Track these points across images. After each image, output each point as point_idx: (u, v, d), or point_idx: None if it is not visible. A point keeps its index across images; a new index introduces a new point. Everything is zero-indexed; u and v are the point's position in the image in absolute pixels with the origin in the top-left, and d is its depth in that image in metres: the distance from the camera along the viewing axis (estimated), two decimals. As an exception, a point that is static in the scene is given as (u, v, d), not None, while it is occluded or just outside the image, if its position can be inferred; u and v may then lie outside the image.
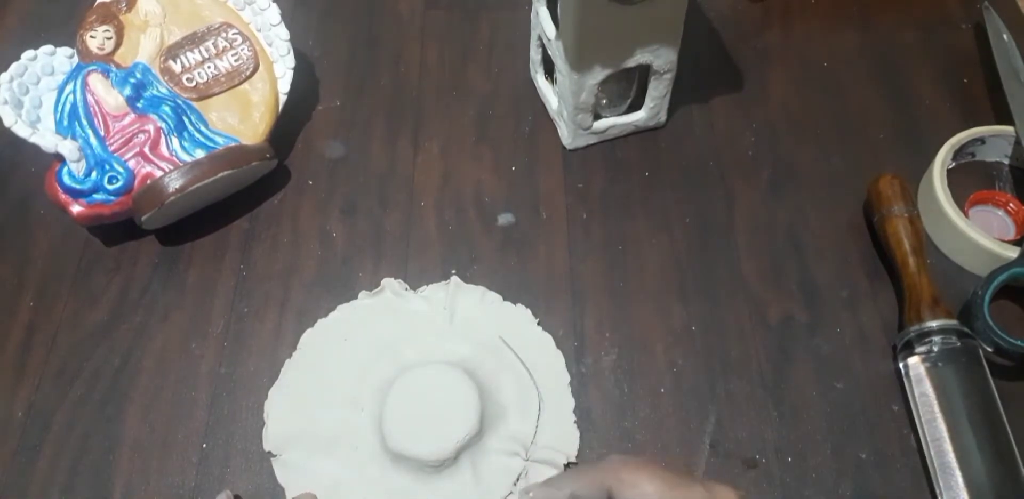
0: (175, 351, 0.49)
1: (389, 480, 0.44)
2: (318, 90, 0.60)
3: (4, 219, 0.55)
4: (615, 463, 0.37)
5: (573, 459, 0.45)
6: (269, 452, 0.46)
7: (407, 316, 0.50)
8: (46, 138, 0.50)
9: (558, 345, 0.49)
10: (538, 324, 0.50)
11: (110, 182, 0.50)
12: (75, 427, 0.47)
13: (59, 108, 0.51)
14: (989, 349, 0.46)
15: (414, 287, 0.51)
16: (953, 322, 0.47)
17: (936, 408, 0.45)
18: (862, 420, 0.47)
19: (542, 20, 0.53)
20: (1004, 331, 0.46)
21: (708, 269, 0.52)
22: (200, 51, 0.53)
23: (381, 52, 0.62)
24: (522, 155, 0.57)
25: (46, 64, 0.52)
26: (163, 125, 0.51)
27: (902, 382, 0.47)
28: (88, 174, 0.50)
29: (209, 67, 0.53)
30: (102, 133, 0.51)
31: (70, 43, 0.52)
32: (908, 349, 0.47)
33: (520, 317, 0.50)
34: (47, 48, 0.52)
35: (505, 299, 0.51)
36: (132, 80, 0.52)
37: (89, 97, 0.51)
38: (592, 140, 0.57)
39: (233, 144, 0.52)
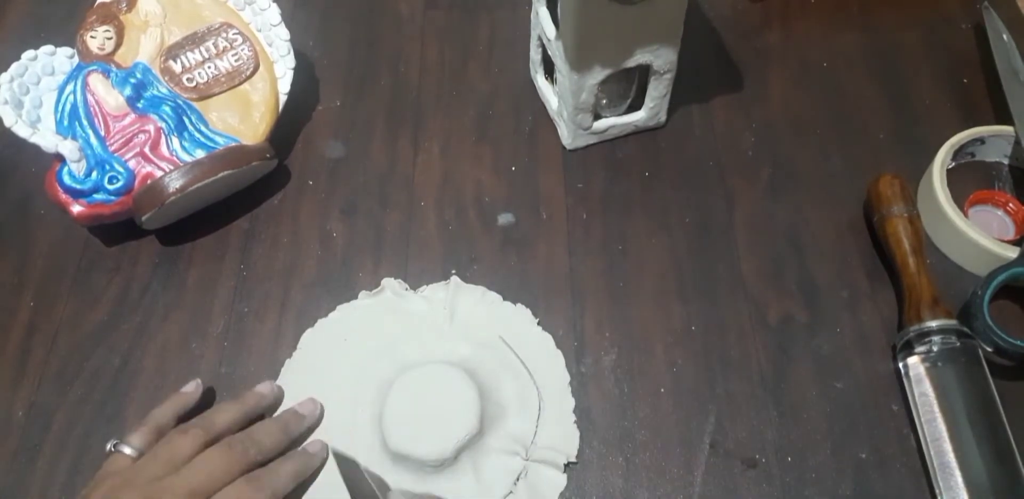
0: (175, 351, 0.49)
1: (389, 480, 0.44)
2: (318, 90, 0.60)
3: (4, 219, 0.55)
4: None
5: (573, 459, 0.45)
6: None
7: (407, 316, 0.50)
8: (46, 138, 0.50)
9: (558, 345, 0.49)
10: (538, 324, 0.50)
11: (110, 182, 0.50)
12: (75, 427, 0.47)
13: (59, 108, 0.51)
14: (989, 349, 0.47)
15: (414, 287, 0.51)
16: (953, 322, 0.47)
17: (936, 408, 0.45)
18: (862, 420, 0.47)
19: (542, 20, 0.53)
20: (1004, 331, 0.46)
21: (708, 269, 0.52)
22: (200, 51, 0.53)
23: (381, 52, 0.62)
24: (522, 155, 0.57)
25: (46, 64, 0.52)
26: (163, 125, 0.51)
27: (902, 382, 0.47)
28: (88, 174, 0.50)
29: (209, 67, 0.53)
30: (102, 133, 0.51)
31: (70, 43, 0.52)
32: (908, 349, 0.47)
33: (520, 317, 0.50)
34: (47, 48, 0.52)
35: (505, 299, 0.51)
36: (132, 80, 0.52)
37: (89, 97, 0.51)
38: (592, 140, 0.57)
39: (233, 144, 0.52)
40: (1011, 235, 0.53)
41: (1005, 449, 0.44)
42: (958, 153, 0.54)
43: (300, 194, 0.56)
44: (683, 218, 0.54)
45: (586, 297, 0.51)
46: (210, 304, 0.51)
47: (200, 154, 0.51)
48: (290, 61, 0.55)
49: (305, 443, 0.45)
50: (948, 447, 0.44)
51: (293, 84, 0.55)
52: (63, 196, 0.50)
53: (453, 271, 0.52)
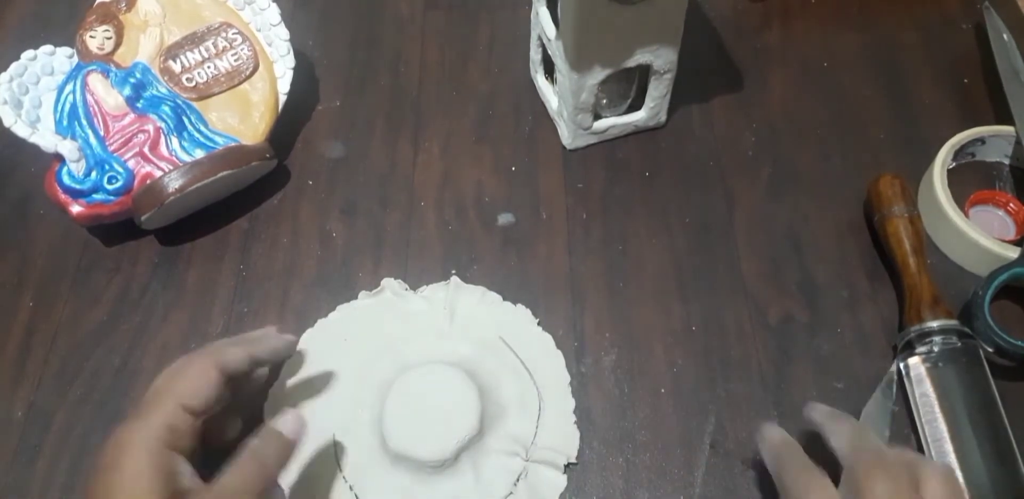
0: (175, 351, 0.49)
1: (389, 481, 0.44)
2: (318, 90, 0.60)
3: (4, 219, 0.55)
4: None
5: (573, 459, 0.45)
6: None
7: (407, 316, 0.50)
8: (46, 138, 0.50)
9: (558, 345, 0.49)
10: (538, 324, 0.50)
11: (110, 182, 0.50)
12: (75, 427, 0.47)
13: (59, 108, 0.51)
14: (989, 349, 0.46)
15: (414, 287, 0.51)
16: (953, 322, 0.47)
17: (936, 408, 0.45)
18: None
19: (542, 20, 0.53)
20: (1004, 331, 0.46)
21: (708, 269, 0.52)
22: (200, 51, 0.53)
23: (381, 52, 0.62)
24: (522, 155, 0.57)
25: (46, 64, 0.52)
26: (163, 125, 0.51)
27: (902, 382, 0.47)
28: (88, 174, 0.50)
29: (209, 67, 0.53)
30: (102, 133, 0.51)
31: (70, 43, 0.52)
32: (908, 349, 0.47)
33: (520, 317, 0.50)
34: (47, 48, 0.52)
35: (505, 299, 0.51)
36: (132, 80, 0.52)
37: (89, 97, 0.51)
38: (592, 140, 0.57)
39: (233, 144, 0.52)
40: (1012, 235, 0.53)
41: (1006, 449, 0.44)
42: (959, 153, 0.54)
43: (300, 194, 0.56)
44: (683, 218, 0.54)
45: (586, 297, 0.51)
46: (210, 304, 0.51)
47: (199, 154, 0.51)
48: (290, 61, 0.55)
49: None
50: (949, 447, 0.44)
51: (293, 84, 0.55)
52: (62, 196, 0.50)
53: (453, 271, 0.52)
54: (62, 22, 0.63)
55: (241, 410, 0.43)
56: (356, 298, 0.51)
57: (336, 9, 0.65)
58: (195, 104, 0.53)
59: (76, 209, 0.50)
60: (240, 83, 0.54)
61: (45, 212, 0.55)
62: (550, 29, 0.53)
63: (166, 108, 0.52)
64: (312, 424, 0.46)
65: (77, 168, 0.50)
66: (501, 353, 0.48)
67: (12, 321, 0.51)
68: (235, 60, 0.54)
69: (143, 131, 0.51)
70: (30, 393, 0.48)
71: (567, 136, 0.56)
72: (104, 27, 0.52)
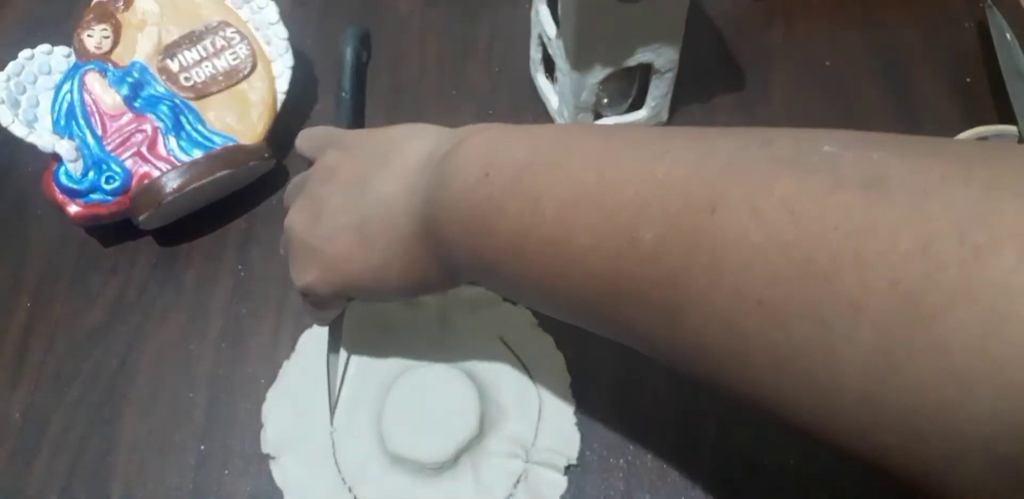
0: (173, 352, 0.49)
1: (388, 483, 0.44)
2: (316, 89, 0.60)
3: (1, 219, 0.55)
4: None
5: (574, 460, 0.45)
6: (268, 454, 0.45)
7: (407, 316, 0.49)
8: (43, 137, 0.49)
9: (558, 346, 0.49)
10: (538, 325, 0.49)
11: (107, 182, 0.50)
12: (72, 429, 0.47)
13: (56, 107, 0.51)
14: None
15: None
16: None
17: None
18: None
19: (542, 19, 0.53)
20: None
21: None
22: (198, 50, 0.53)
23: (381, 52, 0.62)
24: (522, 155, 0.56)
25: (43, 63, 0.51)
26: (160, 125, 0.51)
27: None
28: (85, 174, 0.50)
29: (207, 66, 0.53)
30: (99, 133, 0.51)
31: (67, 42, 0.52)
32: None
33: (520, 318, 0.49)
34: (44, 47, 0.51)
35: (505, 299, 0.50)
36: (129, 79, 0.51)
37: (86, 96, 0.51)
38: (593, 139, 0.56)
39: (231, 144, 0.52)
40: (1015, 235, 0.52)
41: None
42: (961, 153, 0.53)
43: (299, 194, 0.55)
44: (684, 218, 0.54)
45: (587, 298, 0.51)
46: (208, 305, 0.51)
47: (197, 154, 0.51)
48: (288, 60, 0.54)
49: None
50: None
51: (291, 83, 0.55)
52: (60, 196, 0.50)
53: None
54: (59, 21, 0.63)
55: None
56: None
57: (335, 7, 0.64)
58: (193, 103, 0.52)
59: (73, 209, 0.50)
60: (238, 82, 0.53)
61: (42, 212, 0.55)
62: (550, 28, 0.52)
63: (164, 108, 0.51)
64: (311, 424, 0.46)
65: (75, 168, 0.50)
66: (501, 354, 0.48)
67: (9, 321, 0.51)
68: (233, 59, 0.53)
69: (141, 131, 0.51)
70: (27, 394, 0.48)
71: (567, 135, 0.56)
72: (102, 26, 0.52)
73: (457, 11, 0.64)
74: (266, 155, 0.53)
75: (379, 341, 0.49)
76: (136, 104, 0.51)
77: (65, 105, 0.51)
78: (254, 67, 0.54)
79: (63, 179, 0.49)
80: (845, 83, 0.60)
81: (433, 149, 0.35)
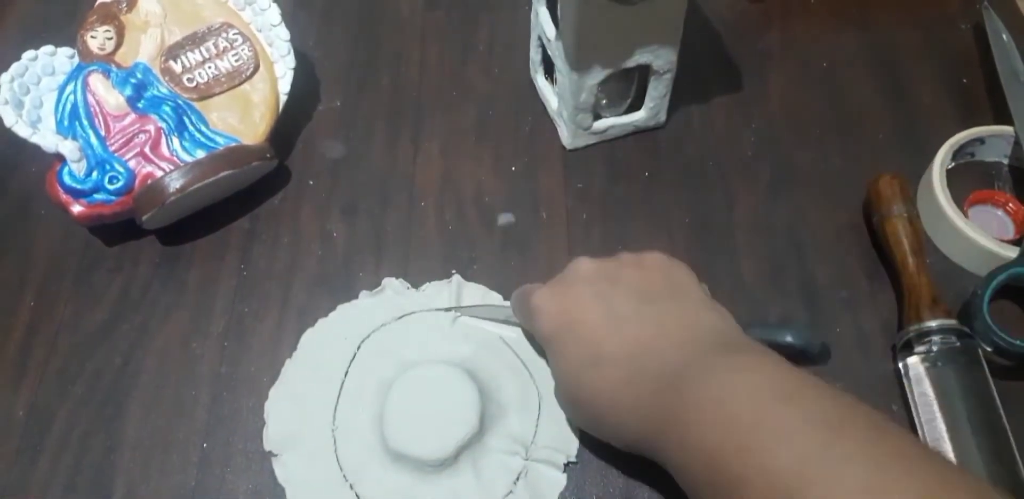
0: (176, 351, 0.50)
1: (389, 480, 0.45)
2: (318, 90, 0.60)
3: (5, 219, 0.55)
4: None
5: (573, 458, 0.45)
6: (270, 452, 0.46)
7: (407, 316, 0.50)
8: (47, 138, 0.50)
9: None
10: None
11: (111, 182, 0.50)
12: (76, 427, 0.47)
13: (60, 108, 0.51)
14: (989, 349, 0.47)
15: (416, 286, 0.51)
16: (952, 322, 0.47)
17: (936, 408, 0.45)
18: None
19: (542, 20, 0.53)
20: (1004, 331, 0.46)
21: (708, 269, 0.52)
22: (201, 51, 0.53)
23: (381, 52, 0.62)
24: (522, 155, 0.57)
25: (47, 64, 0.52)
26: (164, 125, 0.52)
27: (901, 382, 0.47)
28: (89, 174, 0.50)
29: (210, 67, 0.53)
30: (103, 133, 0.51)
31: (71, 43, 0.52)
32: (907, 349, 0.47)
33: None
34: (48, 48, 0.52)
35: (505, 299, 0.51)
36: (133, 80, 0.52)
37: (90, 97, 0.51)
38: (592, 140, 0.57)
39: (233, 144, 0.52)
40: (1011, 235, 0.53)
41: (1005, 449, 0.44)
42: (958, 153, 0.54)
43: (300, 194, 0.56)
44: (683, 218, 0.54)
45: (586, 297, 0.51)
46: (211, 304, 0.51)
47: (200, 154, 0.51)
48: (290, 61, 0.55)
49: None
50: (948, 447, 0.44)
51: (293, 84, 0.55)
52: (63, 196, 0.50)
53: (453, 271, 0.52)
54: (63, 22, 0.63)
55: None
56: (357, 298, 0.51)
57: (336, 9, 0.65)
58: (196, 104, 0.53)
59: (77, 209, 0.50)
60: (241, 83, 0.54)
61: (46, 212, 0.55)
62: (550, 29, 0.53)
63: (167, 108, 0.52)
64: (313, 422, 0.46)
65: (78, 168, 0.50)
66: (501, 353, 0.48)
67: (13, 321, 0.51)
68: (236, 60, 0.54)
69: (144, 131, 0.51)
70: (31, 393, 0.48)
71: (567, 136, 0.56)
72: (105, 27, 0.52)
73: (457, 13, 0.64)
74: (268, 155, 0.53)
75: (396, 330, 0.49)
76: (139, 105, 0.52)
77: (69, 106, 0.51)
78: (256, 68, 0.54)
79: (67, 179, 0.50)
80: (842, 84, 0.60)
81: (725, 344, 0.39)
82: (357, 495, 0.44)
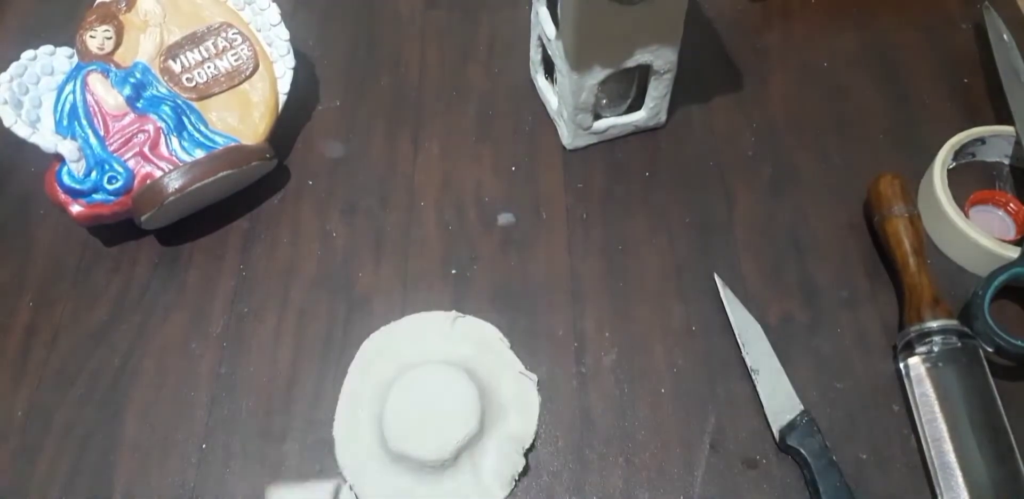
0: (175, 351, 0.49)
1: (389, 480, 0.44)
2: (318, 90, 0.60)
3: (4, 219, 0.55)
4: None
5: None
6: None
7: (408, 317, 0.50)
8: (46, 138, 0.50)
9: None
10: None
11: (110, 182, 0.50)
12: (75, 427, 0.47)
13: (59, 108, 0.51)
14: (990, 349, 0.46)
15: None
16: (953, 322, 0.47)
17: (936, 408, 0.45)
18: (862, 420, 0.47)
19: (542, 20, 0.53)
20: (1005, 331, 0.46)
21: (708, 269, 0.52)
22: (200, 51, 0.53)
23: (381, 52, 0.62)
24: (522, 155, 0.57)
25: (46, 64, 0.52)
26: (163, 125, 0.51)
27: (902, 382, 0.47)
28: (88, 174, 0.50)
29: (209, 67, 0.53)
30: (102, 133, 0.51)
31: (70, 43, 0.52)
32: (908, 349, 0.47)
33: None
34: (47, 48, 0.52)
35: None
36: (132, 80, 0.52)
37: (89, 97, 0.51)
38: (592, 140, 0.57)
39: (233, 144, 0.52)
40: (1012, 235, 0.53)
41: (1006, 449, 0.44)
42: (959, 153, 0.54)
43: (300, 194, 0.56)
44: (683, 218, 0.54)
45: (586, 297, 0.51)
46: (210, 304, 0.51)
47: (199, 154, 0.51)
48: (290, 61, 0.55)
49: None
50: (949, 447, 0.44)
51: (293, 84, 0.55)
52: (62, 196, 0.50)
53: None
54: (62, 22, 0.63)
55: None
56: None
57: (336, 9, 0.65)
58: (195, 104, 0.53)
59: (76, 209, 0.50)
60: (240, 83, 0.54)
61: (45, 212, 0.55)
62: (550, 29, 0.53)
63: (166, 108, 0.52)
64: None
65: (77, 168, 0.50)
66: (501, 353, 0.48)
67: (12, 321, 0.51)
68: (235, 60, 0.54)
69: (143, 131, 0.51)
70: (30, 393, 0.48)
71: (567, 136, 0.56)
72: (104, 27, 0.52)
73: (457, 13, 0.64)
74: (268, 155, 0.53)
75: (396, 331, 0.49)
76: (138, 104, 0.52)
77: (68, 106, 0.51)
78: (256, 68, 0.54)
79: (66, 179, 0.50)
80: (843, 84, 0.60)
81: None
82: (356, 496, 0.44)
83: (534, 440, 0.46)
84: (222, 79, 0.53)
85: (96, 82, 0.52)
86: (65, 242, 0.54)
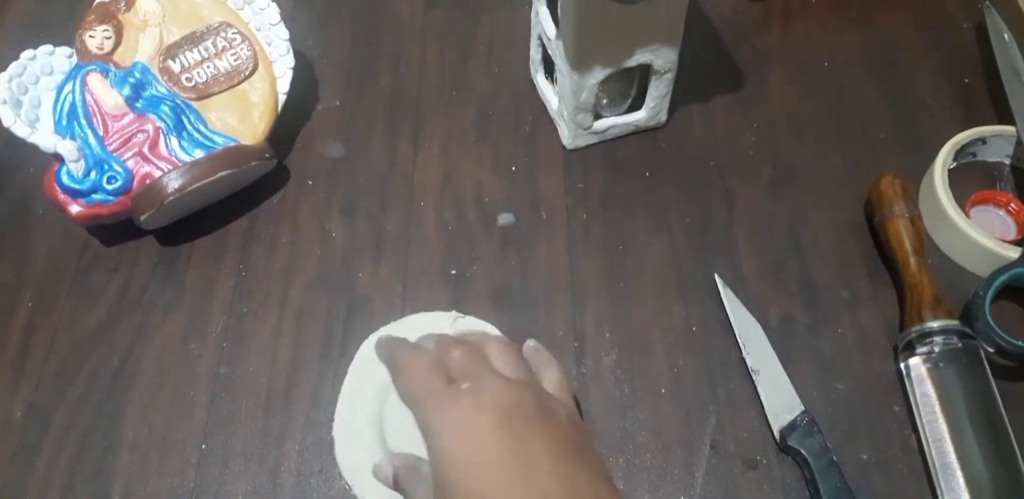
0: (174, 351, 0.49)
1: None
2: (318, 90, 0.60)
3: (3, 219, 0.55)
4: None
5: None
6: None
7: (408, 317, 0.50)
8: (45, 138, 0.50)
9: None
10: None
11: (109, 182, 0.50)
12: (74, 427, 0.47)
13: (58, 108, 0.51)
14: (990, 349, 0.46)
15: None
16: (954, 322, 0.46)
17: (937, 409, 0.45)
18: (863, 421, 0.47)
19: (542, 20, 0.53)
20: (1005, 331, 0.46)
21: (708, 269, 0.52)
22: (199, 51, 0.53)
23: (381, 52, 0.62)
24: (522, 155, 0.57)
25: (45, 64, 0.52)
26: (162, 125, 0.51)
27: (903, 383, 0.47)
28: (87, 174, 0.50)
29: (208, 67, 0.53)
30: (101, 133, 0.51)
31: (69, 43, 0.52)
32: (909, 349, 0.47)
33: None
34: (46, 48, 0.52)
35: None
36: (131, 80, 0.52)
37: (88, 97, 0.51)
38: (592, 140, 0.57)
39: (232, 144, 0.52)
40: (1013, 235, 0.53)
41: (1007, 450, 0.44)
42: (959, 153, 0.54)
43: (300, 194, 0.56)
44: (683, 218, 0.54)
45: (586, 297, 0.51)
46: (209, 304, 0.51)
47: (199, 154, 0.51)
48: (289, 61, 0.55)
49: None
50: (950, 448, 0.44)
51: (292, 84, 0.55)
52: (62, 196, 0.50)
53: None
54: (61, 22, 0.63)
55: None
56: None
57: (336, 9, 0.65)
58: (194, 104, 0.53)
59: (75, 209, 0.50)
60: (239, 83, 0.53)
61: (44, 212, 0.55)
62: (550, 29, 0.52)
63: (165, 108, 0.52)
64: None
65: (76, 168, 0.50)
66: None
67: (11, 321, 0.51)
68: (234, 60, 0.54)
69: (142, 131, 0.51)
70: (29, 393, 0.48)
71: (567, 136, 0.56)
72: (103, 27, 0.52)
73: (457, 12, 0.64)
74: (267, 155, 0.53)
75: (396, 331, 0.49)
76: (138, 104, 0.52)
77: (67, 105, 0.51)
78: (255, 68, 0.54)
79: (65, 179, 0.50)
80: (843, 84, 0.60)
81: None
82: (356, 496, 0.44)
83: (534, 440, 0.46)
84: (221, 79, 0.53)
85: (95, 82, 0.52)
86: (64, 242, 0.54)
